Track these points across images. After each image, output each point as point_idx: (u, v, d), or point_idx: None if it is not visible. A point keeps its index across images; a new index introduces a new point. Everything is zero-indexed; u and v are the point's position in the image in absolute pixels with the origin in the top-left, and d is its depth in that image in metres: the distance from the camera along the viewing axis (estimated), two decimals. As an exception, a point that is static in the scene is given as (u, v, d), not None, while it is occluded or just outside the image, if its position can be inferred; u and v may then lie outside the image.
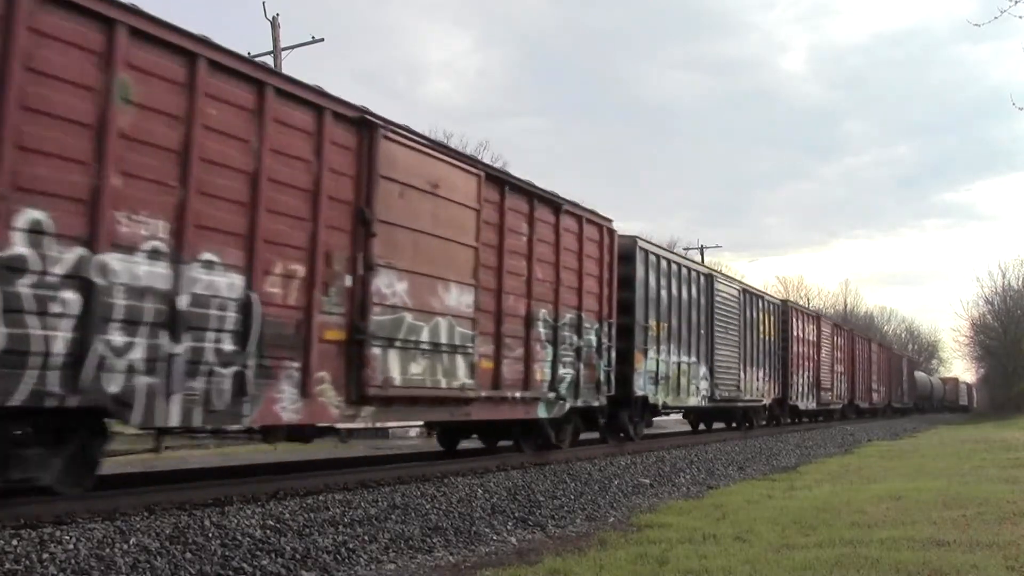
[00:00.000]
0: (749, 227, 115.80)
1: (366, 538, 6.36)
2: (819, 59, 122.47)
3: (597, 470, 11.11)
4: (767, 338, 22.56)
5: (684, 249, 47.25)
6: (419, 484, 8.71)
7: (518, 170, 16.97)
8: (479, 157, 11.79)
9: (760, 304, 22.18)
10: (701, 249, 49.97)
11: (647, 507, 9.01)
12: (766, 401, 22.58)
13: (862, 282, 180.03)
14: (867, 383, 37.32)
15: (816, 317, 29.05)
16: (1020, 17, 9.40)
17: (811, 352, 27.30)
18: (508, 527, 7.50)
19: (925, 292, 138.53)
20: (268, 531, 6.13)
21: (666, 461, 12.94)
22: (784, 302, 25.69)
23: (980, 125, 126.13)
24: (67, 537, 5.25)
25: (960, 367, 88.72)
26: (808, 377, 26.88)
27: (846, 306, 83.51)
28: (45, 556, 4.92)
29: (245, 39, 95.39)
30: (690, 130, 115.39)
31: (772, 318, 23.16)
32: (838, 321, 40.52)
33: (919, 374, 60.51)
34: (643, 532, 7.26)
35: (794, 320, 25.48)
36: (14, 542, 5.04)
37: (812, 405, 27.46)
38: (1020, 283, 63.69)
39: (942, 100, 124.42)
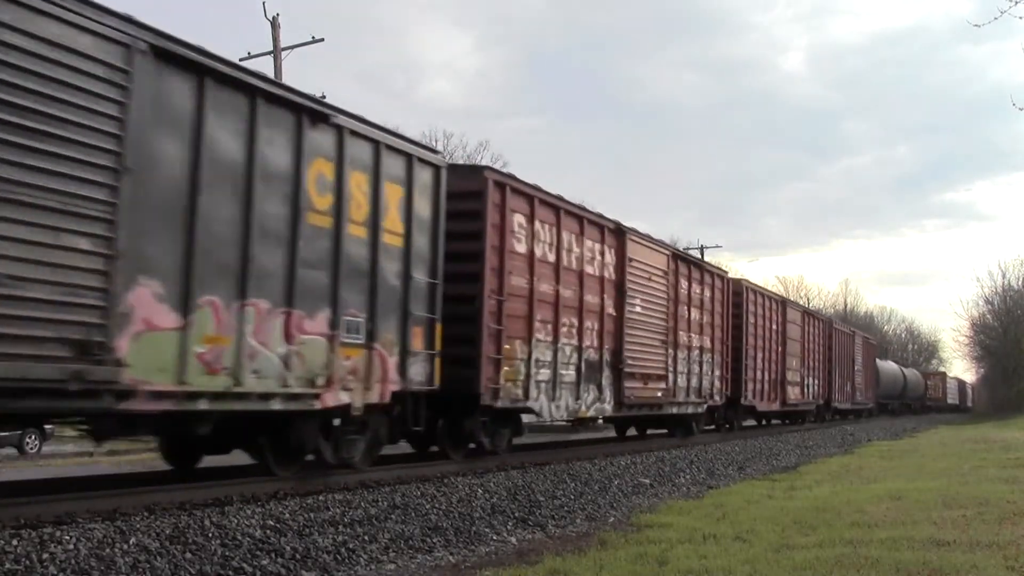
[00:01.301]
0: (749, 227, 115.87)
1: (366, 538, 6.37)
2: (819, 59, 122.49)
3: (597, 470, 11.11)
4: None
5: (684, 249, 46.85)
6: (419, 484, 8.70)
7: (518, 170, 16.01)
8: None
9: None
10: (701, 249, 49.88)
11: (647, 507, 9.01)
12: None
13: (862, 282, 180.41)
14: (776, 373, 22.64)
15: (599, 227, 13.05)
16: (1020, 18, 9.40)
17: (593, 301, 12.77)
18: (508, 527, 7.50)
19: (925, 292, 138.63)
20: (268, 531, 6.13)
21: (666, 461, 12.94)
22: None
23: (980, 125, 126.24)
24: (67, 537, 5.25)
25: (960, 367, 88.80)
26: (576, 353, 12.22)
27: (846, 306, 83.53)
28: (45, 556, 4.92)
29: (245, 39, 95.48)
30: (690, 130, 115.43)
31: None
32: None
33: (885, 364, 47.03)
34: (643, 532, 7.27)
35: (501, 199, 10.52)
36: (14, 542, 5.04)
37: (592, 411, 12.96)
38: (1020, 283, 63.78)
39: (942, 100, 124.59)
